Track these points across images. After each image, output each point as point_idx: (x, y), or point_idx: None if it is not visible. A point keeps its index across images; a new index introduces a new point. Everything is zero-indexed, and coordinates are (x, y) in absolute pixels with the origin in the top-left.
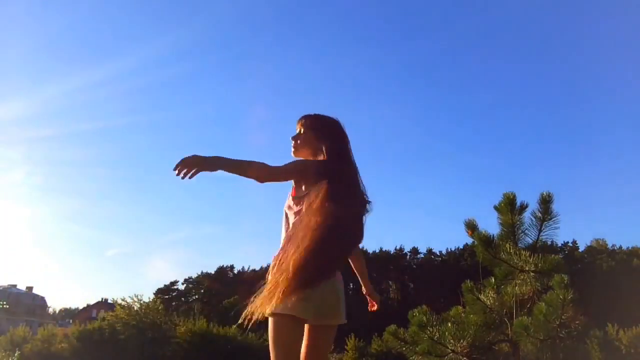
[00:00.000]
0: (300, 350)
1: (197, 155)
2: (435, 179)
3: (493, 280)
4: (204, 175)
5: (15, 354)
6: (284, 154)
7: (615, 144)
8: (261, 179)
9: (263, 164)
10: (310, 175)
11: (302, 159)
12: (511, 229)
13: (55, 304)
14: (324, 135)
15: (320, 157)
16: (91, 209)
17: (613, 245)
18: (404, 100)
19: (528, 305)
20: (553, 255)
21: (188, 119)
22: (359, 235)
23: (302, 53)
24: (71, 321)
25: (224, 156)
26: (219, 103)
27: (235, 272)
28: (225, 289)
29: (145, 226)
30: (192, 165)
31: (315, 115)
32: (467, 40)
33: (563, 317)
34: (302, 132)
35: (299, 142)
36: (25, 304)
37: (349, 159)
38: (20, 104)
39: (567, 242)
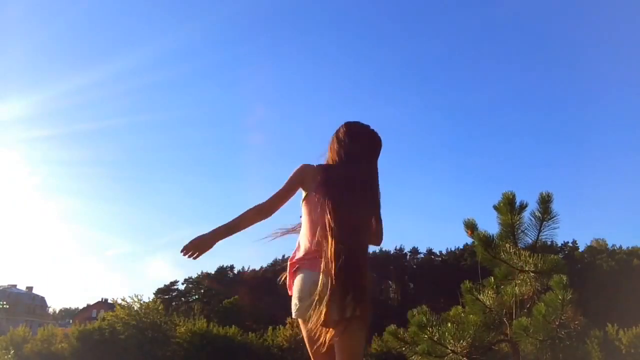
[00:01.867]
0: None
1: (198, 238)
2: (436, 178)
3: (492, 280)
4: (204, 174)
5: (10, 353)
6: (282, 154)
7: (615, 144)
8: (265, 212)
9: (259, 204)
10: (308, 181)
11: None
12: (511, 229)
13: (55, 304)
14: (338, 140)
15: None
16: (91, 209)
17: (613, 245)
18: (404, 100)
19: (528, 306)
20: (553, 256)
21: (188, 119)
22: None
23: (301, 53)
24: (71, 321)
25: (224, 223)
26: (218, 103)
27: (235, 272)
28: (225, 289)
29: (145, 226)
30: (194, 249)
31: (347, 123)
32: (467, 41)
33: (562, 317)
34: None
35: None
36: (25, 304)
37: (353, 163)
38: (20, 104)
39: (567, 242)
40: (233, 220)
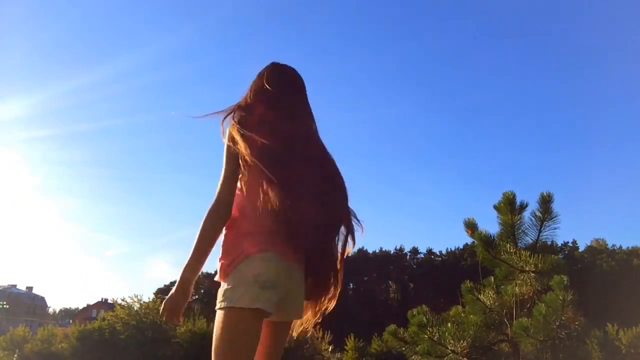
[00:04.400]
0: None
1: (168, 301)
2: (436, 179)
3: (493, 280)
4: (204, 174)
5: (16, 354)
6: None
7: (615, 144)
8: (223, 209)
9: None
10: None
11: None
12: (511, 229)
13: (55, 304)
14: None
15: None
16: (91, 209)
17: (613, 245)
18: (405, 100)
19: (528, 306)
20: (553, 256)
21: (188, 119)
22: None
23: (301, 53)
24: (71, 321)
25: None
26: (218, 103)
27: None
28: None
29: (145, 226)
30: (170, 316)
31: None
32: (466, 42)
33: (562, 318)
34: None
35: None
36: (25, 304)
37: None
38: (20, 104)
39: (567, 242)
40: (195, 249)
